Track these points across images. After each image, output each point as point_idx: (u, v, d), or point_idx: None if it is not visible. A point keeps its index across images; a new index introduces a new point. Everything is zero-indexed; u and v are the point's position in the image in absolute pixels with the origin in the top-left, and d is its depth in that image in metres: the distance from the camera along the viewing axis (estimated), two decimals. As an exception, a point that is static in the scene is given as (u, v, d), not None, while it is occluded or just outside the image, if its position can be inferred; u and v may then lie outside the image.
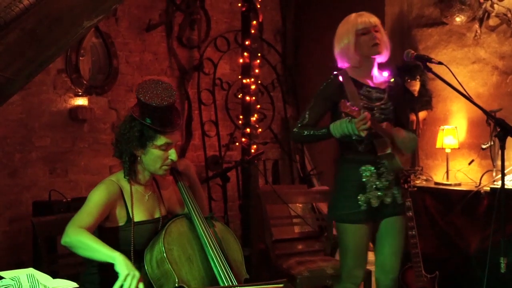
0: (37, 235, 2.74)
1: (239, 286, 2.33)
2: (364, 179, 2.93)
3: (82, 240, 2.20)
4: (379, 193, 2.93)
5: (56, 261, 2.85)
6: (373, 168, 2.93)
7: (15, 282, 1.96)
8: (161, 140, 2.38)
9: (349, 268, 2.99)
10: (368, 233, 2.99)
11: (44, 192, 4.10)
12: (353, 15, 2.96)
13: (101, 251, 2.17)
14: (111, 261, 2.15)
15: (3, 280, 1.98)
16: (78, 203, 2.65)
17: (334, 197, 3.05)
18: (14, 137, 4.14)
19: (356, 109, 2.69)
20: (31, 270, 2.08)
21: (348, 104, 2.69)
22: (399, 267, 3.07)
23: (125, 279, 2.10)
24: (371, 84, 2.97)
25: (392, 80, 3.04)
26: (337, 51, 2.99)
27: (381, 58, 2.98)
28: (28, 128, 4.20)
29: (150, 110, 2.33)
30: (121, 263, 2.13)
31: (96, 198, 2.35)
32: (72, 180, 4.41)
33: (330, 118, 2.97)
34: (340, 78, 2.93)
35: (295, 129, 3.00)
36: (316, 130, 2.92)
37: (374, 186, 2.93)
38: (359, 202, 2.91)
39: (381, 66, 3.05)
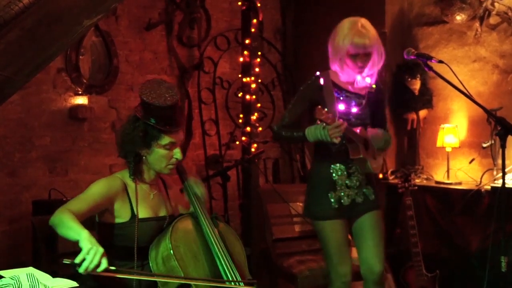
0: (37, 234, 2.74)
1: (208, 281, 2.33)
2: (334, 177, 2.97)
3: (61, 218, 2.19)
4: (349, 192, 2.97)
5: (56, 260, 2.83)
6: (344, 167, 2.98)
7: (15, 281, 1.95)
8: (166, 140, 2.40)
9: (335, 266, 3.00)
10: (345, 228, 3.02)
11: (44, 192, 4.09)
12: (358, 26, 2.87)
13: (72, 228, 2.15)
14: (77, 237, 2.12)
15: (3, 279, 1.98)
16: (78, 202, 2.64)
17: (308, 194, 3.09)
18: (14, 136, 4.13)
19: (330, 115, 2.70)
20: (31, 269, 2.08)
21: (323, 111, 2.70)
22: (383, 260, 3.06)
23: (88, 253, 2.06)
24: (351, 89, 3.00)
25: (374, 86, 3.05)
26: (330, 47, 2.99)
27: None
28: (28, 127, 4.19)
29: (154, 110, 2.35)
30: (85, 239, 2.10)
31: (94, 188, 2.37)
32: (72, 180, 4.40)
33: (307, 118, 2.99)
34: (321, 80, 2.95)
35: (275, 128, 3.05)
36: (293, 132, 2.96)
37: (345, 184, 2.97)
38: (331, 200, 2.96)
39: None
